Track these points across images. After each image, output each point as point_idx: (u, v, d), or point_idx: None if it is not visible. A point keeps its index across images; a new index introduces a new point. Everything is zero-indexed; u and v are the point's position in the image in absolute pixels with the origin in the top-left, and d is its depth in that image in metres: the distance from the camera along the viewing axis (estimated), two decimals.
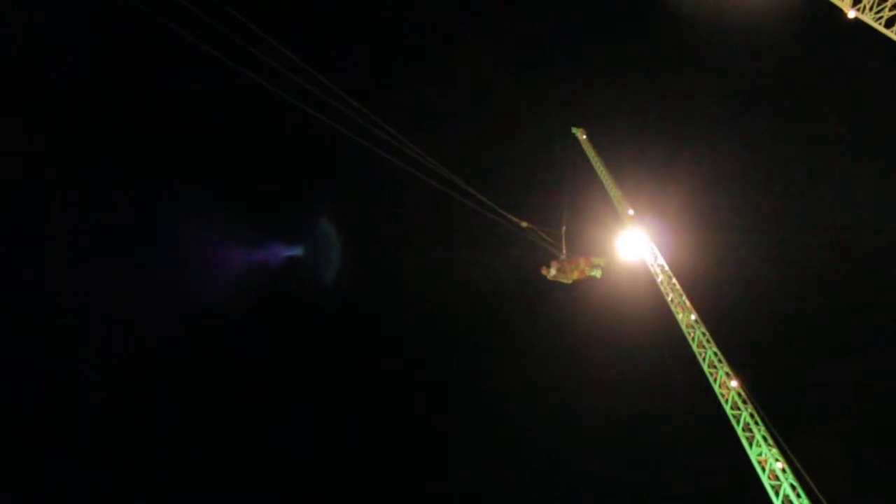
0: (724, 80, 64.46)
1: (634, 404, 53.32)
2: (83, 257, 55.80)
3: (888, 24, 33.27)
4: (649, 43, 67.46)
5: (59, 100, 55.68)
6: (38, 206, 54.77)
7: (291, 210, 67.56)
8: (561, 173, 48.64)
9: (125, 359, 54.17)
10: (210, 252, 60.76)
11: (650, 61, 67.93)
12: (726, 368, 32.06)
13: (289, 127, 60.28)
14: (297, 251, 64.65)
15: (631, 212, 44.01)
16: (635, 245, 42.44)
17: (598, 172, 47.69)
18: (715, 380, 32.11)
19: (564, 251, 39.27)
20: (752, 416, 29.81)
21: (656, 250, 40.68)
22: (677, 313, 36.31)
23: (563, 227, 39.75)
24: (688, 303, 36.24)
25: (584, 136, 49.94)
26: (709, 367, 32.74)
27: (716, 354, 32.93)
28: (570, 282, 39.31)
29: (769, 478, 27.86)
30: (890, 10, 32.97)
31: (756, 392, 30.73)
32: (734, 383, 31.23)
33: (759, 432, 29.07)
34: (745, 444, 29.37)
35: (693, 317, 35.27)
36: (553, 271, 38.81)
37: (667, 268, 39.18)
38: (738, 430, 29.83)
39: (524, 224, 38.83)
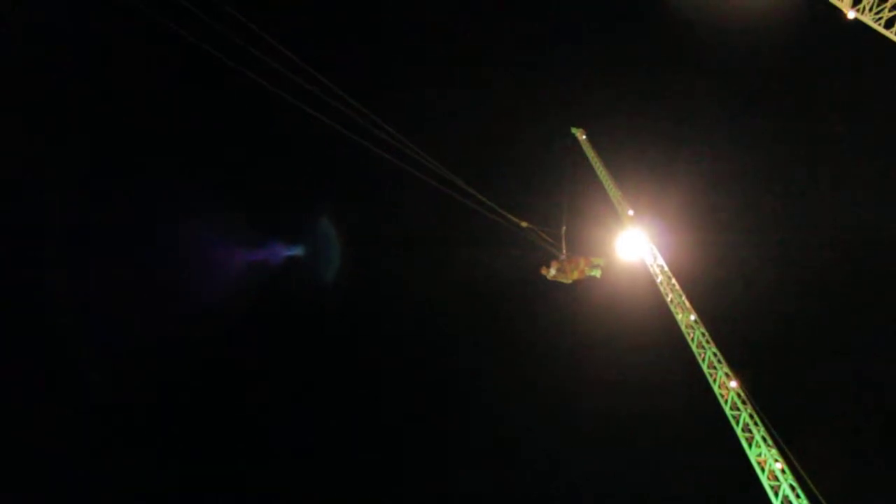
0: (724, 80, 64.60)
1: (634, 404, 53.34)
2: (83, 257, 56.00)
3: (888, 25, 33.26)
4: (649, 43, 67.66)
5: (59, 100, 55.71)
6: (38, 206, 54.77)
7: (291, 210, 67.59)
8: (561, 173, 48.64)
9: (125, 359, 54.16)
10: (210, 252, 60.73)
11: (650, 61, 68.08)
12: (726, 369, 32.08)
13: (289, 127, 60.31)
14: (297, 251, 64.64)
15: (631, 212, 44.02)
16: (635, 245, 42.43)
17: (598, 172, 47.68)
18: (714, 380, 32.12)
19: (564, 251, 39.30)
20: (751, 416, 29.82)
21: (656, 250, 40.66)
22: (677, 314, 36.32)
23: (563, 227, 39.77)
24: (687, 303, 36.25)
25: (584, 137, 49.92)
26: (708, 367, 32.76)
27: (715, 355, 32.95)
28: (569, 282, 39.37)
29: (768, 478, 27.86)
30: (890, 10, 32.95)
31: (756, 392, 30.76)
32: (733, 384, 31.26)
33: (759, 433, 29.08)
34: (745, 444, 29.36)
35: (692, 317, 35.29)
36: (553, 271, 38.83)
37: (666, 268, 39.19)
38: (738, 431, 29.82)
39: (524, 224, 38.84)
